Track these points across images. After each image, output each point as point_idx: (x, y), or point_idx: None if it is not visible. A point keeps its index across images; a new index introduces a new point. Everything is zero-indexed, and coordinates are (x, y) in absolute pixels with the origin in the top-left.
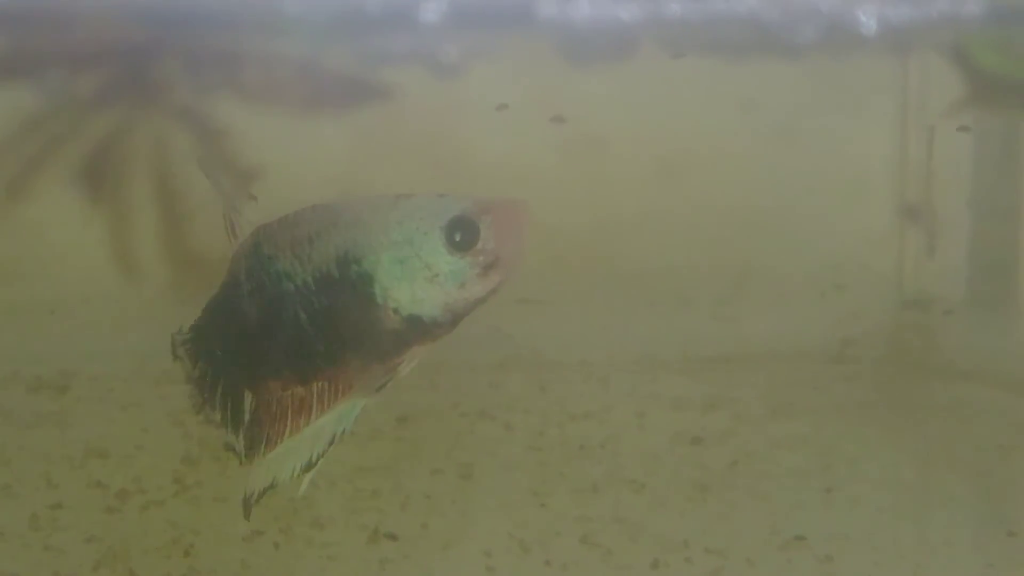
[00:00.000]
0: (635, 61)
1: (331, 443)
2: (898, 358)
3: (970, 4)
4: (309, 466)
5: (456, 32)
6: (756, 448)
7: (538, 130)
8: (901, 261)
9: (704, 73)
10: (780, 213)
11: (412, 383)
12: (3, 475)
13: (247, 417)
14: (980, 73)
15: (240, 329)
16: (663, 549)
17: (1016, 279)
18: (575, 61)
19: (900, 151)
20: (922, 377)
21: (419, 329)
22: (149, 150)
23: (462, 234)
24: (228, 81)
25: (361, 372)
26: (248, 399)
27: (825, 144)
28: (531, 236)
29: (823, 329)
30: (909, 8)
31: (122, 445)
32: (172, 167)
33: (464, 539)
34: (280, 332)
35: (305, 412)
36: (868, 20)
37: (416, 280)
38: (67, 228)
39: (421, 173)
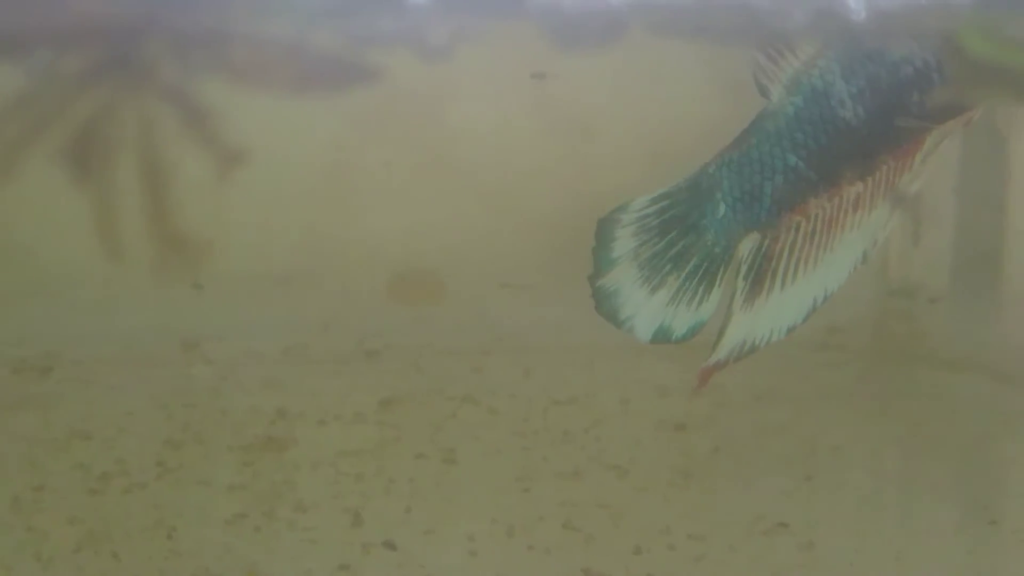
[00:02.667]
0: (623, 45)
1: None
2: (883, 346)
3: None
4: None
5: (444, 14)
6: (739, 435)
7: (524, 114)
8: (886, 249)
9: (692, 57)
10: None
11: (395, 367)
12: None
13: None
14: (970, 60)
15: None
16: (645, 535)
17: (1001, 268)
18: (563, 44)
19: None
20: (906, 365)
21: None
22: (135, 130)
23: None
24: (216, 62)
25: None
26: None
27: None
28: (517, 221)
29: None
30: None
31: (105, 427)
32: (159, 148)
33: (447, 523)
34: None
35: (832, 231)
36: (858, 6)
37: None
38: (52, 209)
39: (409, 156)
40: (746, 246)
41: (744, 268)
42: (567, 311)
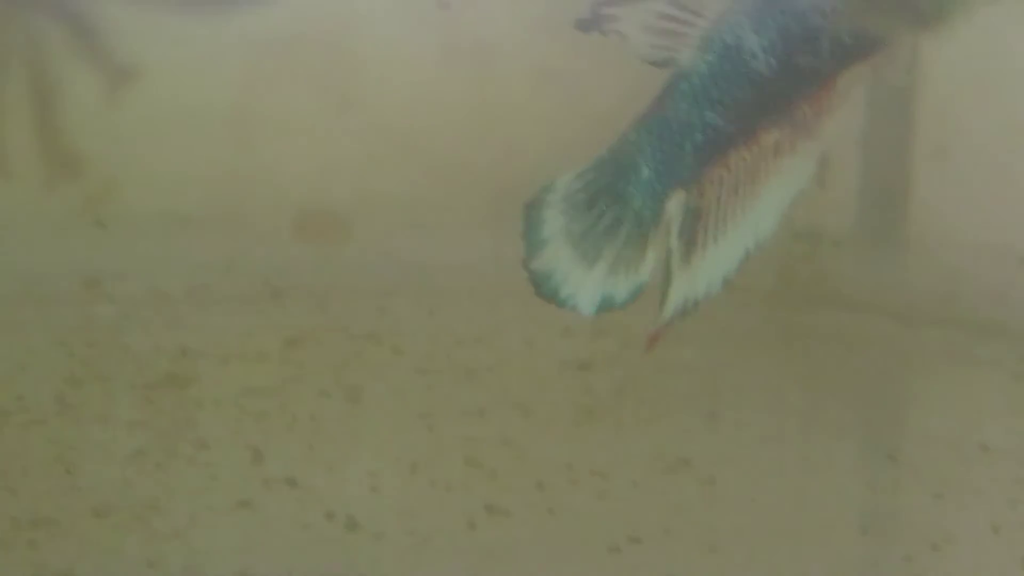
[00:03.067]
0: None
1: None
2: (786, 288)
3: None
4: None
5: None
6: (643, 374)
7: (431, 49)
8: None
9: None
10: None
11: (300, 306)
12: None
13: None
14: None
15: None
16: (548, 471)
17: (905, 211)
18: None
19: None
20: (809, 306)
21: None
22: (22, 47)
23: None
24: None
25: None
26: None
27: None
28: (423, 163)
29: None
30: None
31: (5, 365)
32: (46, 64)
33: (349, 460)
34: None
35: (755, 180)
36: None
37: None
38: None
39: (316, 95)
40: (674, 206)
41: (676, 228)
42: (473, 251)
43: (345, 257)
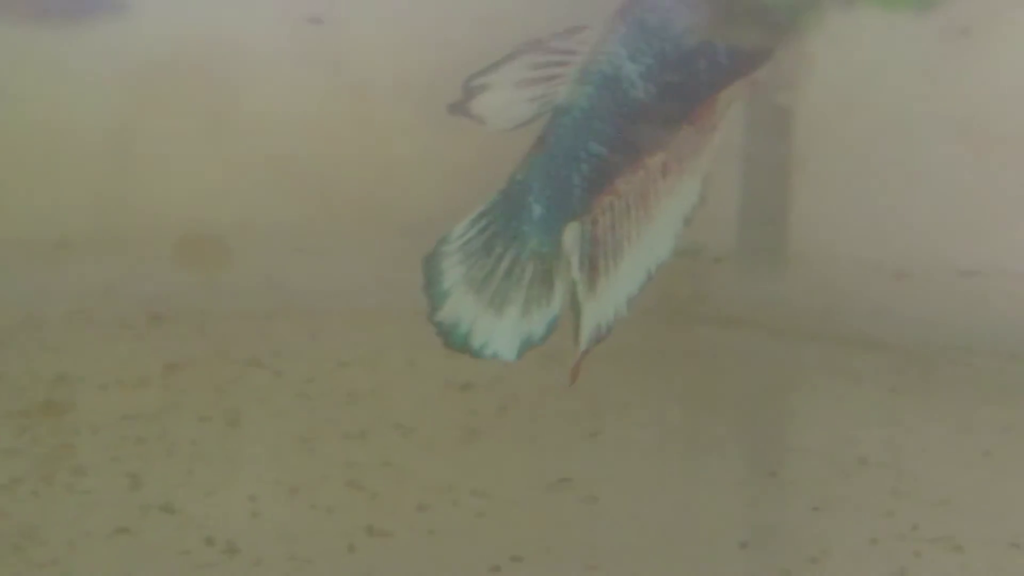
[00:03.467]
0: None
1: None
2: (667, 305)
3: None
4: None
5: None
6: (525, 393)
7: (308, 69)
8: None
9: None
10: None
11: (180, 331)
12: None
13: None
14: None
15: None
16: (429, 492)
17: (784, 228)
18: None
19: None
20: (690, 323)
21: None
22: None
23: None
24: None
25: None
26: (573, 228)
27: None
28: (303, 186)
29: None
30: None
31: None
32: None
33: (230, 485)
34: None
35: (646, 202)
36: None
37: None
38: None
39: (197, 119)
40: (570, 238)
41: (576, 259)
42: (355, 274)
43: (226, 281)
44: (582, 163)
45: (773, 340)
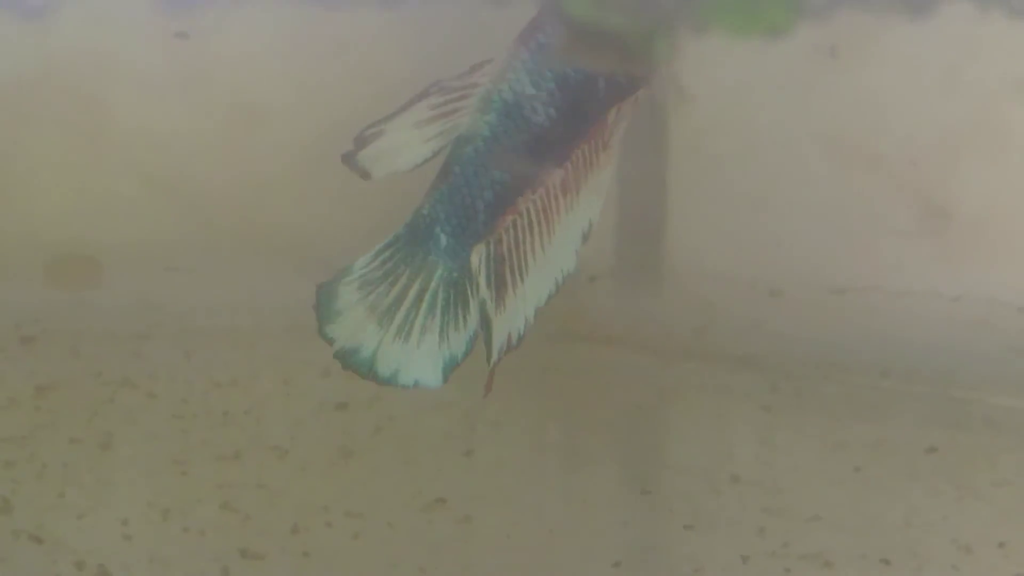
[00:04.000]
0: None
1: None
2: (543, 322)
3: None
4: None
5: None
6: (401, 413)
7: (174, 82)
8: None
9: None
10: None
11: (52, 352)
12: None
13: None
14: (573, 23)
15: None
16: (303, 513)
17: (659, 246)
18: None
19: None
20: (566, 341)
21: None
22: None
23: None
24: None
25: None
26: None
27: None
28: (176, 203)
29: None
30: None
31: None
32: None
33: (101, 508)
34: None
35: (547, 219)
36: None
37: None
38: None
39: (66, 136)
40: (476, 259)
41: (483, 278)
42: (229, 294)
43: (99, 301)
44: (486, 190)
45: (647, 358)
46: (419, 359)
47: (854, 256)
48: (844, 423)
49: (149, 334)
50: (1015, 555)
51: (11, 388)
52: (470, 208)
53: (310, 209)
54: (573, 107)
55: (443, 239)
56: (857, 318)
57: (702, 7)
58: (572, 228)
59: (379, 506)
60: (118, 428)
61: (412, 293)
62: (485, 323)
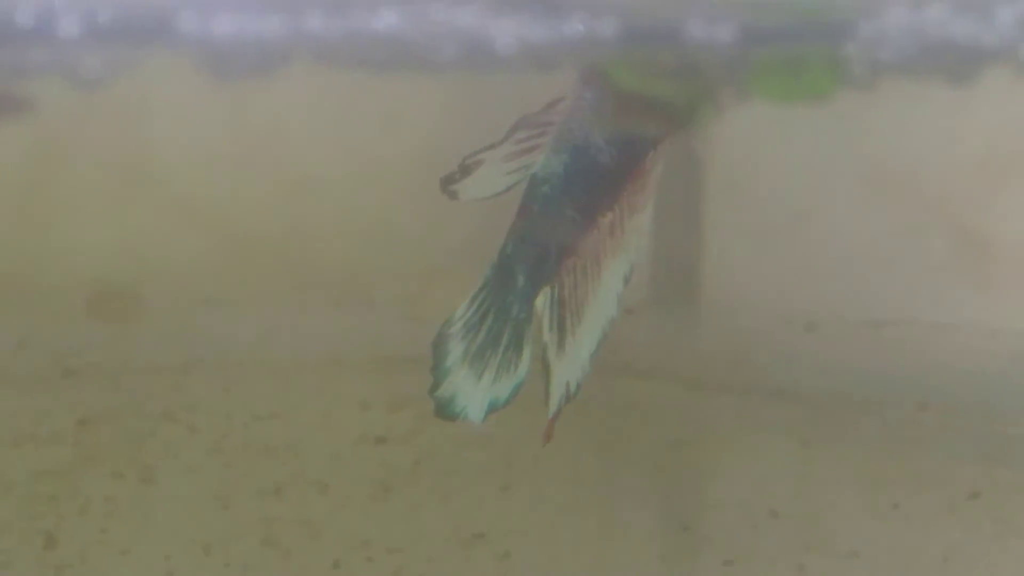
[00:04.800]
0: (280, 76)
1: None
2: None
3: (606, 25)
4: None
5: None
6: (439, 447)
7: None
8: None
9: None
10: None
11: (94, 386)
12: None
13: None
14: (620, 92)
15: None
16: (344, 549)
17: (695, 278)
18: (220, 76)
19: None
20: (603, 375)
21: None
22: None
23: None
24: None
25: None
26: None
27: None
28: (215, 235)
29: None
30: (547, 28)
31: None
32: None
33: (143, 544)
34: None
35: (597, 262)
36: (506, 39)
37: None
38: None
39: (108, 171)
40: (541, 303)
41: (547, 322)
42: (267, 326)
43: (139, 334)
44: (559, 230)
45: (685, 392)
46: (476, 394)
47: (892, 289)
48: (882, 458)
49: (188, 367)
50: None
51: (54, 422)
52: (544, 248)
53: (348, 244)
54: (630, 146)
55: (520, 279)
56: (895, 351)
57: (745, 75)
58: (616, 272)
59: (419, 541)
60: (160, 462)
61: (491, 334)
62: (545, 369)
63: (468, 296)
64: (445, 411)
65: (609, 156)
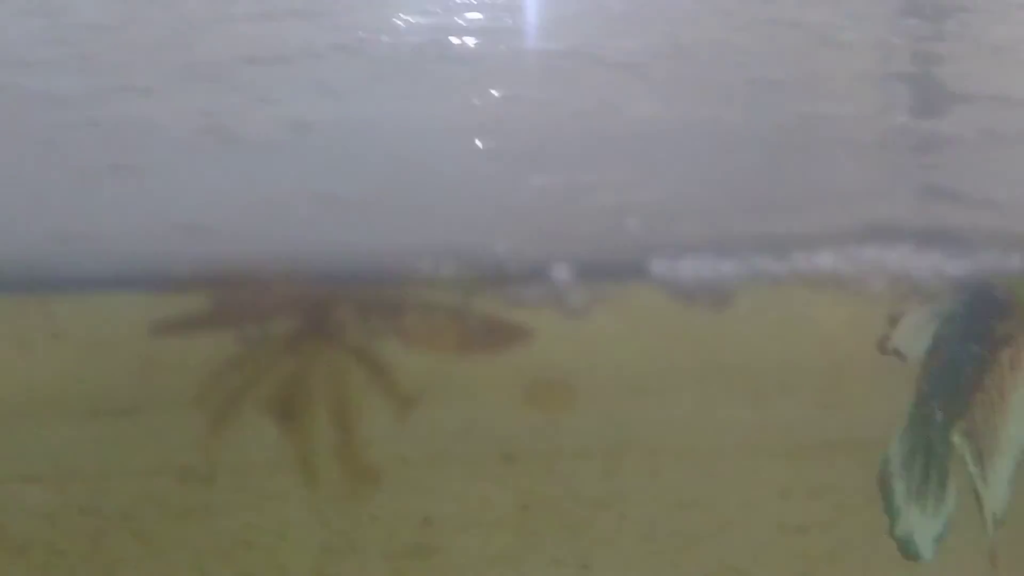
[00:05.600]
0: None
1: None
2: None
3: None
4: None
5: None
6: (857, 539)
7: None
8: None
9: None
10: None
11: (531, 471)
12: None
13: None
14: None
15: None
16: None
17: None
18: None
19: None
20: None
21: None
22: (328, 383)
23: None
24: (392, 326)
25: None
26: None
27: None
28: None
29: None
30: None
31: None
32: (348, 396)
33: None
34: None
35: (1003, 395)
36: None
37: None
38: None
39: None
40: (958, 437)
41: (969, 455)
42: (692, 412)
43: (571, 422)
44: (966, 365)
45: None
46: (921, 532)
47: None
48: None
49: (617, 453)
50: None
51: (498, 507)
52: (955, 384)
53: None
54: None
55: (938, 415)
56: None
57: None
58: (1021, 404)
59: None
60: (595, 549)
61: (923, 472)
62: (978, 499)
63: (896, 431)
64: (907, 550)
65: (1004, 292)
